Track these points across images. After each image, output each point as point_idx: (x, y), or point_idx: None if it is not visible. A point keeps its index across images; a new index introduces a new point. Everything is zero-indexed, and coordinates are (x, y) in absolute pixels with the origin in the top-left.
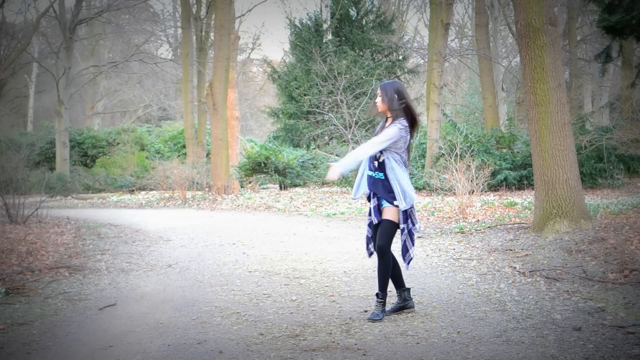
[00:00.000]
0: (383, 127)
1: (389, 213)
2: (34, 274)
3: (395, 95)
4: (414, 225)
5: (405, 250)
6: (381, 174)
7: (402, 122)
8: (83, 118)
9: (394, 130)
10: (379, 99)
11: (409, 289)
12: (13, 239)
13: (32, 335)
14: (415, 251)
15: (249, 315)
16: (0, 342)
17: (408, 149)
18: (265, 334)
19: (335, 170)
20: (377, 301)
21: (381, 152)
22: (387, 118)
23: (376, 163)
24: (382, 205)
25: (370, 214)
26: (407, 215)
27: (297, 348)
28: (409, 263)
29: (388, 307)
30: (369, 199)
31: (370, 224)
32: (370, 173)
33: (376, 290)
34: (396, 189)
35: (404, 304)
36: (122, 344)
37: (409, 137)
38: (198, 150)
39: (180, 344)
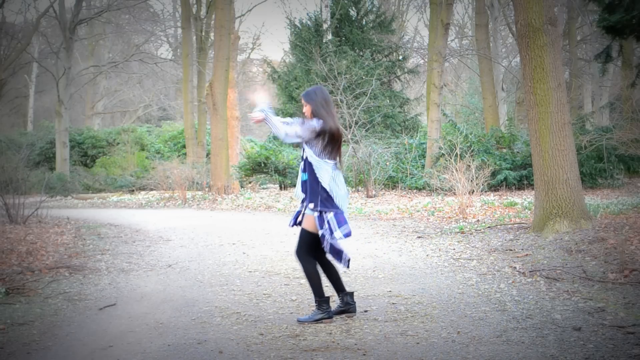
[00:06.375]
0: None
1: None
2: (34, 274)
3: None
4: (331, 234)
5: (336, 253)
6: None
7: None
8: (83, 118)
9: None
10: (307, 108)
11: (351, 293)
12: (13, 239)
13: (32, 335)
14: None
15: (249, 315)
16: (0, 342)
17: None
18: (265, 334)
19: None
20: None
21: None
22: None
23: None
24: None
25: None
26: (324, 220)
27: (297, 348)
28: (347, 264)
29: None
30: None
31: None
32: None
33: (375, 290)
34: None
35: (346, 308)
36: (122, 344)
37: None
38: (198, 150)
39: (180, 344)
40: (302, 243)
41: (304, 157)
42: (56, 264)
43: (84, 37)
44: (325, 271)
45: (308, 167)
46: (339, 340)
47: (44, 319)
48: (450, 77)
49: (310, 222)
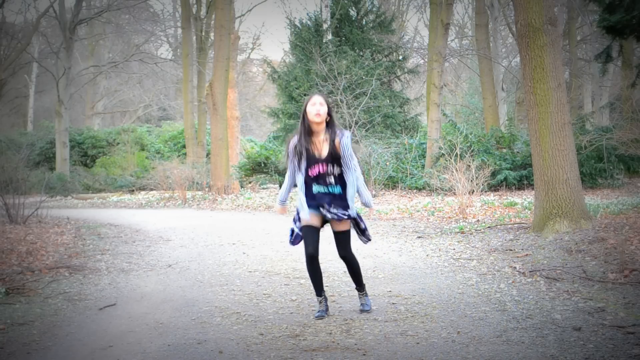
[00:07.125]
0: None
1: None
2: (34, 274)
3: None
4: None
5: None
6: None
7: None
8: (83, 118)
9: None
10: (324, 108)
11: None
12: (13, 239)
13: (32, 335)
14: (416, 250)
15: (249, 315)
16: (0, 342)
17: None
18: (265, 334)
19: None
20: (362, 294)
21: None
22: (310, 130)
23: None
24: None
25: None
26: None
27: (297, 348)
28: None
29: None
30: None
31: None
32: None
33: (375, 290)
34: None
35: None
36: (122, 344)
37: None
38: (198, 150)
39: (180, 344)
40: (349, 242)
41: (334, 172)
42: (56, 264)
43: (84, 37)
44: (318, 271)
45: (351, 178)
46: (339, 340)
47: (44, 319)
48: (450, 77)
49: (348, 224)
